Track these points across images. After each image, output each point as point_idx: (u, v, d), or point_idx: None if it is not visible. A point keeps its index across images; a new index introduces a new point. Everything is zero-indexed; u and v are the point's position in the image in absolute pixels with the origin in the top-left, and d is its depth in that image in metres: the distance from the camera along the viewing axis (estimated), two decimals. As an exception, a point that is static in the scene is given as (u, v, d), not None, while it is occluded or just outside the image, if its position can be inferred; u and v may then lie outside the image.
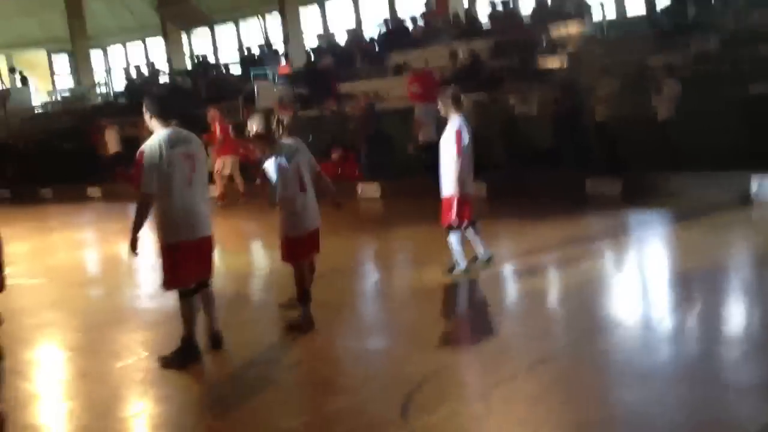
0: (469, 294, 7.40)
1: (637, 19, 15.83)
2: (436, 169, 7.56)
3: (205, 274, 5.84)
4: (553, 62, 15.03)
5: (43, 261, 11.23)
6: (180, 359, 5.68)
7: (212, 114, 15.30)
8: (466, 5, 19.43)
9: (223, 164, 14.96)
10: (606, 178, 11.77)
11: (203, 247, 5.72)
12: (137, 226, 5.43)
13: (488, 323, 6.48)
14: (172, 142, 5.47)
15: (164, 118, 5.60)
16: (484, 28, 17.82)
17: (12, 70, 29.03)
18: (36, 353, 6.64)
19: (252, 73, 20.56)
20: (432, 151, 8.55)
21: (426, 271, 8.02)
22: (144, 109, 5.65)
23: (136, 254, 5.45)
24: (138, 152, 5.44)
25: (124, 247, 11.10)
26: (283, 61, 21.45)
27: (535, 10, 17.19)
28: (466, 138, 7.25)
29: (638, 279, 7.54)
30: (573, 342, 5.62)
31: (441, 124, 7.92)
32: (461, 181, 7.26)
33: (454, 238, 7.52)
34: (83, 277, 10.24)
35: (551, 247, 8.63)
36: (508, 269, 7.97)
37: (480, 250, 7.70)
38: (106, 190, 18.82)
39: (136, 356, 6.11)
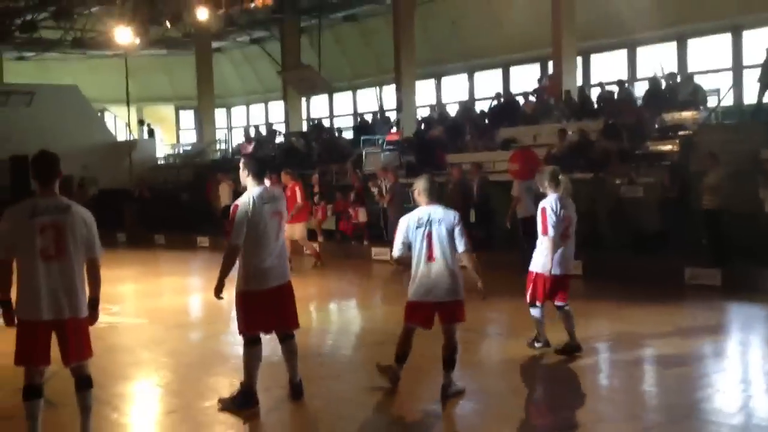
0: (553, 370, 7.26)
1: (754, 108, 15.40)
2: (532, 243, 7.60)
3: (284, 324, 6.01)
4: (664, 146, 14.80)
5: (148, 303, 11.77)
6: (236, 404, 5.89)
7: (285, 178, 14.17)
8: (579, 84, 19.45)
9: (294, 231, 13.98)
10: (708, 267, 11.39)
11: (277, 298, 5.91)
12: (223, 273, 5.76)
13: (571, 401, 6.34)
14: (263, 199, 5.83)
15: (259, 177, 5.97)
16: (596, 108, 17.77)
17: (141, 122, 30.90)
18: (128, 388, 6.94)
19: (362, 139, 21.17)
20: (528, 226, 8.57)
21: (512, 342, 7.97)
22: (241, 167, 6.04)
23: (220, 298, 5.81)
24: (233, 206, 5.85)
25: (226, 293, 11.71)
26: (393, 129, 21.98)
27: (648, 93, 17.03)
28: (552, 217, 7.22)
29: (735, 372, 7.22)
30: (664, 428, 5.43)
31: (540, 200, 7.95)
32: (544, 259, 7.26)
33: (534, 312, 7.51)
34: (183, 320, 10.64)
35: (645, 333, 8.40)
36: (601, 350, 7.80)
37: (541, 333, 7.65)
38: (214, 240, 19.58)
39: (216, 398, 6.25)
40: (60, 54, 29.41)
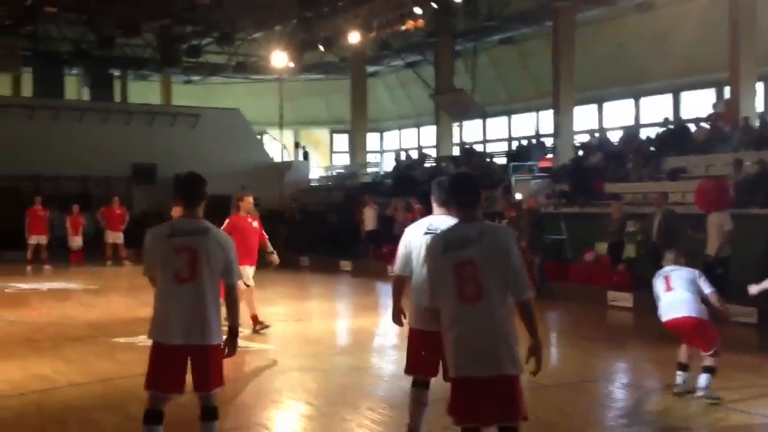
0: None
1: None
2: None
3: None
4: None
5: (293, 327, 11.53)
6: None
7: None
8: (760, 110, 17.58)
9: None
10: None
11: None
12: (394, 302, 5.45)
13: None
14: (429, 229, 5.28)
15: (444, 205, 5.38)
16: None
17: (297, 145, 31.49)
18: (276, 413, 6.72)
19: (512, 165, 20.24)
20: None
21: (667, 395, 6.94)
22: (432, 194, 5.52)
23: (399, 324, 5.44)
24: (405, 233, 5.44)
25: (369, 322, 11.03)
26: (548, 155, 20.89)
27: None
28: None
29: None
30: None
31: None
32: None
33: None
34: (330, 346, 10.26)
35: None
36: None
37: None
38: (356, 265, 19.22)
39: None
40: (223, 78, 30.53)
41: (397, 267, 5.40)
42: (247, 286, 9.68)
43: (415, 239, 5.31)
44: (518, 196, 17.04)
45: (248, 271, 9.71)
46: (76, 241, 20.09)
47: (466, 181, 4.37)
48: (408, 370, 5.41)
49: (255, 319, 10.13)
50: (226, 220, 9.69)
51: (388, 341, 10.17)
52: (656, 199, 13.60)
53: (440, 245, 4.18)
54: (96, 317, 11.91)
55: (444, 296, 4.12)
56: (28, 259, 18.97)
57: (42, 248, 19.21)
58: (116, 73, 29.26)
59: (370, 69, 29.55)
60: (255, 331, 10.01)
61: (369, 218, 19.77)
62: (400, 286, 5.43)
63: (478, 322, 4.00)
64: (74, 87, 29.24)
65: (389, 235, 19.20)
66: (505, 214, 15.85)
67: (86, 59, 26.84)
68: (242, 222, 9.85)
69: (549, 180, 18.97)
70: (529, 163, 20.73)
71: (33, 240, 19.08)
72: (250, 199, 10.04)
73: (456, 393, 4.08)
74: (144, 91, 30.36)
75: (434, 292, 4.23)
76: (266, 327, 10.21)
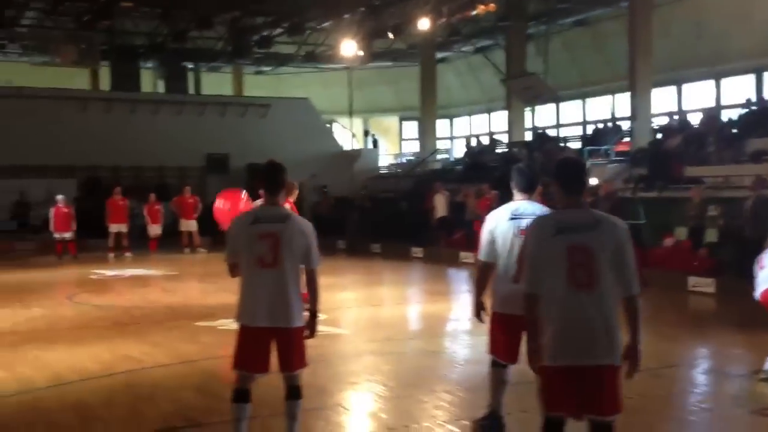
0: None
1: None
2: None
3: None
4: None
5: (366, 312, 11.62)
6: (482, 427, 5.46)
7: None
8: None
9: None
10: None
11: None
12: (476, 293, 5.42)
13: None
14: (513, 215, 5.25)
15: (526, 191, 5.34)
16: None
17: (366, 133, 31.56)
18: (352, 396, 6.79)
19: (586, 150, 19.85)
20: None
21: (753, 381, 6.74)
22: (512, 180, 5.47)
23: (479, 321, 5.40)
24: (487, 219, 5.39)
25: (441, 307, 11.04)
26: (623, 138, 20.40)
27: None
28: None
29: None
30: None
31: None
32: None
33: None
34: (402, 331, 10.30)
35: None
36: None
37: None
38: (428, 251, 19.17)
39: (429, 422, 5.85)
40: (293, 68, 30.79)
41: (481, 254, 5.31)
42: None
43: (500, 225, 5.24)
44: (594, 180, 16.68)
45: None
46: (154, 229, 20.59)
47: (573, 167, 4.23)
48: (491, 351, 5.40)
49: None
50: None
51: (461, 326, 10.19)
52: (756, 184, 12.79)
53: (551, 227, 3.97)
54: (176, 302, 12.23)
55: (551, 281, 3.89)
56: (110, 247, 19.56)
57: (123, 236, 19.74)
58: (189, 65, 29.82)
59: (439, 55, 29.27)
60: None
61: (440, 205, 19.68)
62: (486, 273, 5.34)
63: (588, 310, 3.82)
64: (149, 80, 29.95)
65: (461, 221, 19.10)
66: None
67: (161, 52, 27.44)
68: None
69: (626, 164, 18.50)
70: (604, 147, 20.28)
71: (113, 228, 19.63)
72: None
73: (551, 381, 3.91)
74: (216, 83, 30.84)
75: (536, 276, 3.96)
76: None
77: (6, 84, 24.98)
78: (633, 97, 20.43)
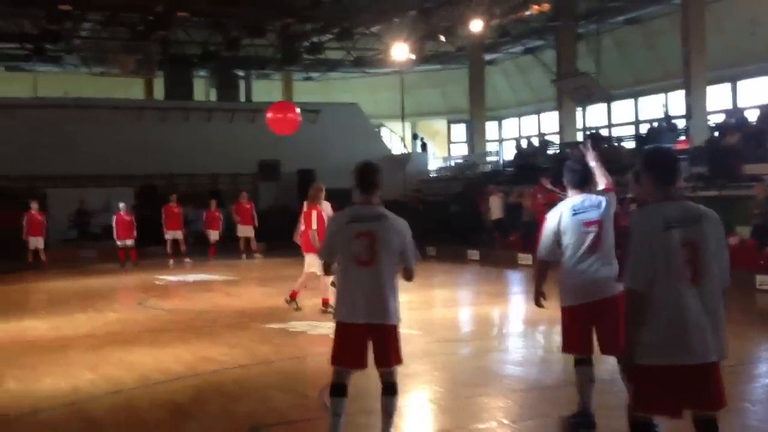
0: None
1: None
2: None
3: (611, 345, 5.21)
4: None
5: (420, 314, 11.55)
6: (572, 426, 5.46)
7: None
8: None
9: None
10: None
11: (605, 313, 5.19)
12: (537, 283, 5.52)
13: None
14: (575, 210, 5.39)
15: (579, 187, 5.50)
16: None
17: (415, 137, 31.61)
18: (402, 401, 6.52)
19: (642, 148, 19.64)
20: None
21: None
22: (564, 177, 5.65)
23: (541, 307, 5.47)
24: (546, 217, 5.51)
25: (502, 308, 11.29)
26: (680, 137, 20.14)
27: None
28: None
29: None
30: None
31: None
32: None
33: None
34: (455, 334, 10.30)
35: None
36: None
37: None
38: (484, 253, 19.16)
39: (495, 422, 5.83)
40: (342, 73, 31.00)
41: (541, 252, 5.43)
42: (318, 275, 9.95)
43: (564, 220, 5.34)
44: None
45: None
46: (213, 235, 20.91)
47: (667, 156, 4.18)
48: (566, 349, 5.47)
49: (326, 302, 10.33)
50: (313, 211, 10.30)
51: (519, 327, 10.32)
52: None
53: (659, 221, 3.84)
54: (243, 305, 12.43)
55: (659, 276, 3.76)
56: (168, 254, 19.92)
57: (179, 243, 20.08)
58: (240, 73, 30.24)
59: (488, 57, 29.28)
60: (324, 312, 10.15)
61: (495, 207, 19.68)
62: (545, 269, 5.49)
63: (698, 306, 3.77)
64: (202, 88, 30.44)
65: (516, 223, 19.05)
66: (637, 200, 15.41)
67: (213, 61, 27.87)
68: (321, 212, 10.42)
69: (684, 163, 18.27)
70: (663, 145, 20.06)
71: (169, 235, 19.95)
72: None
73: (652, 382, 3.78)
74: (266, 90, 31.20)
75: (641, 272, 3.79)
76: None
77: (64, 95, 25.64)
78: (687, 95, 20.19)
